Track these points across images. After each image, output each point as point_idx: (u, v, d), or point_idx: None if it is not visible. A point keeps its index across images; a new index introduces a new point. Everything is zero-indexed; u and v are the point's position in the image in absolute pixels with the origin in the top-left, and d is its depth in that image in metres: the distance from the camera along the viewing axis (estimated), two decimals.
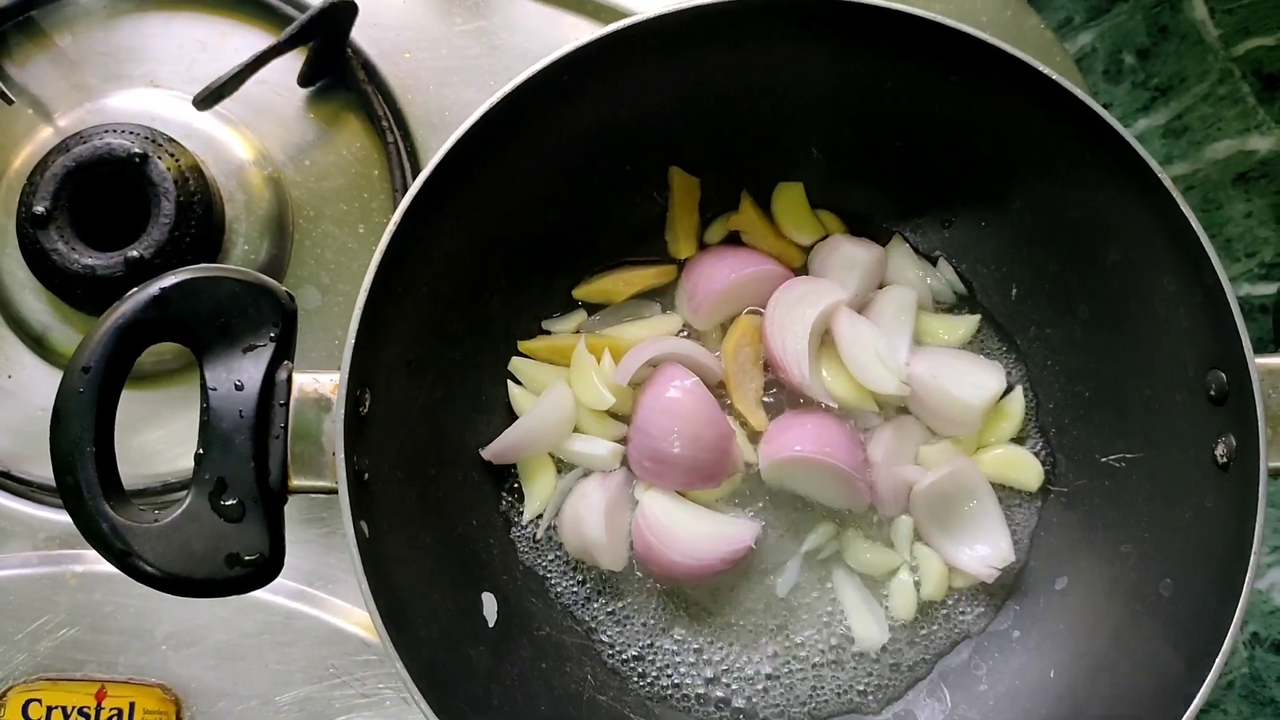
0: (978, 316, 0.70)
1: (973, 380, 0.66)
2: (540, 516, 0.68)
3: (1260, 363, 0.53)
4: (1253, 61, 0.88)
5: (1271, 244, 0.87)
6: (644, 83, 0.63)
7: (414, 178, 0.75)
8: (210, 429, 0.52)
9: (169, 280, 0.53)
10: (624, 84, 0.62)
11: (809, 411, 0.67)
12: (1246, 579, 0.51)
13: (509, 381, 0.69)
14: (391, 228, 0.55)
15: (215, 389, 0.52)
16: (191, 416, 0.72)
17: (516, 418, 0.68)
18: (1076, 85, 0.77)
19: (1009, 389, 0.69)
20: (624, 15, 0.77)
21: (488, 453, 0.67)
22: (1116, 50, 0.90)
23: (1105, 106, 0.94)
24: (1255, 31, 0.89)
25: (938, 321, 0.70)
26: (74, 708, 0.69)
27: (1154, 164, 0.56)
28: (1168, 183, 0.56)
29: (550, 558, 0.68)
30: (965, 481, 0.66)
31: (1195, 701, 0.51)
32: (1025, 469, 0.67)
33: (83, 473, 0.50)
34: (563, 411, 0.67)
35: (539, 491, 0.67)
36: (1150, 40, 0.89)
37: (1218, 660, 0.51)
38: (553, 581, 0.68)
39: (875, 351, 0.66)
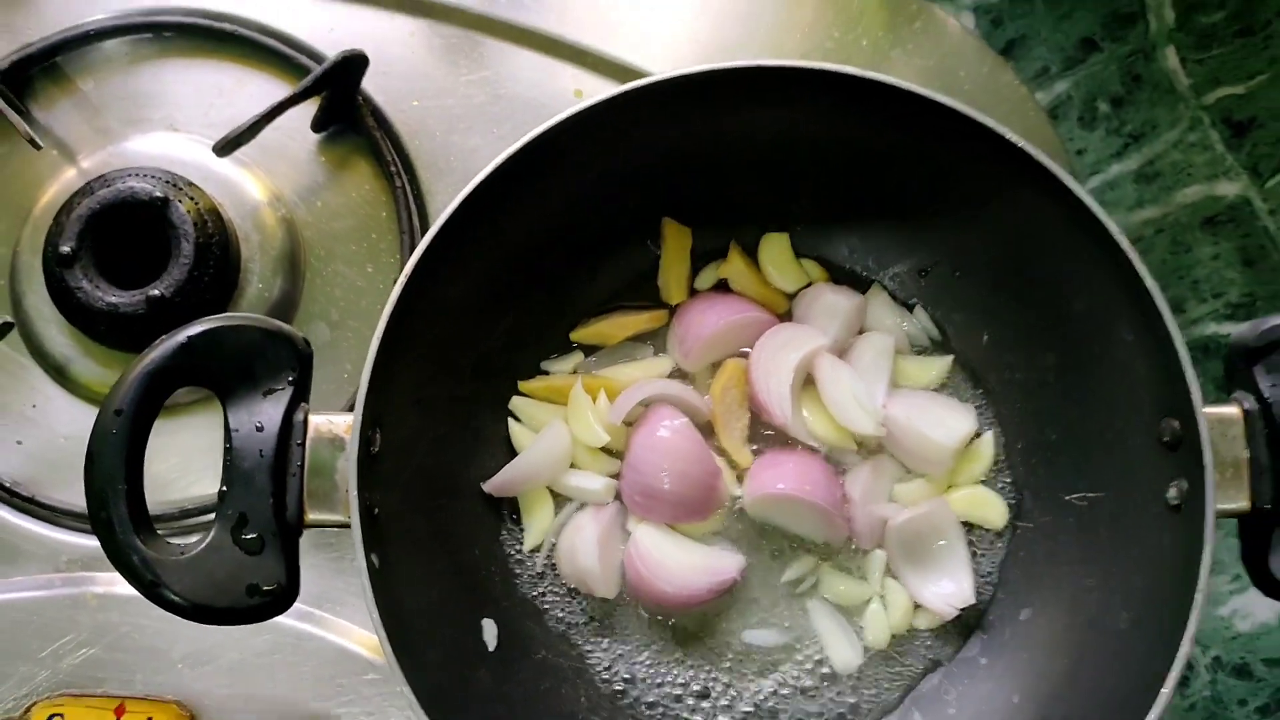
0: (950, 357, 0.72)
1: (945, 422, 0.69)
2: (539, 547, 0.70)
3: (1208, 412, 0.55)
4: (1222, 110, 0.90)
5: (1238, 285, 0.90)
6: (641, 141, 0.65)
7: (420, 220, 0.78)
8: (233, 468, 0.55)
9: (195, 329, 0.55)
10: (622, 142, 0.64)
11: (791, 451, 0.70)
12: (1192, 615, 0.54)
13: (510, 419, 0.72)
14: (402, 281, 0.57)
15: (237, 430, 0.55)
16: (206, 446, 0.76)
17: (517, 453, 0.71)
18: (1048, 140, 0.80)
19: (979, 431, 0.71)
20: (619, 66, 0.81)
21: (489, 486, 0.69)
22: (1091, 98, 0.92)
23: (1079, 152, 0.97)
24: (1225, 81, 0.91)
25: (913, 364, 0.72)
26: None
27: (1111, 225, 0.58)
28: (1124, 243, 0.58)
29: (547, 586, 0.70)
30: (937, 521, 0.68)
31: None
32: (991, 508, 0.69)
33: (115, 509, 0.53)
34: (560, 448, 0.69)
35: (538, 523, 0.70)
36: (1124, 89, 0.91)
37: (1165, 688, 0.53)
38: (549, 608, 0.70)
39: (854, 394, 0.69)
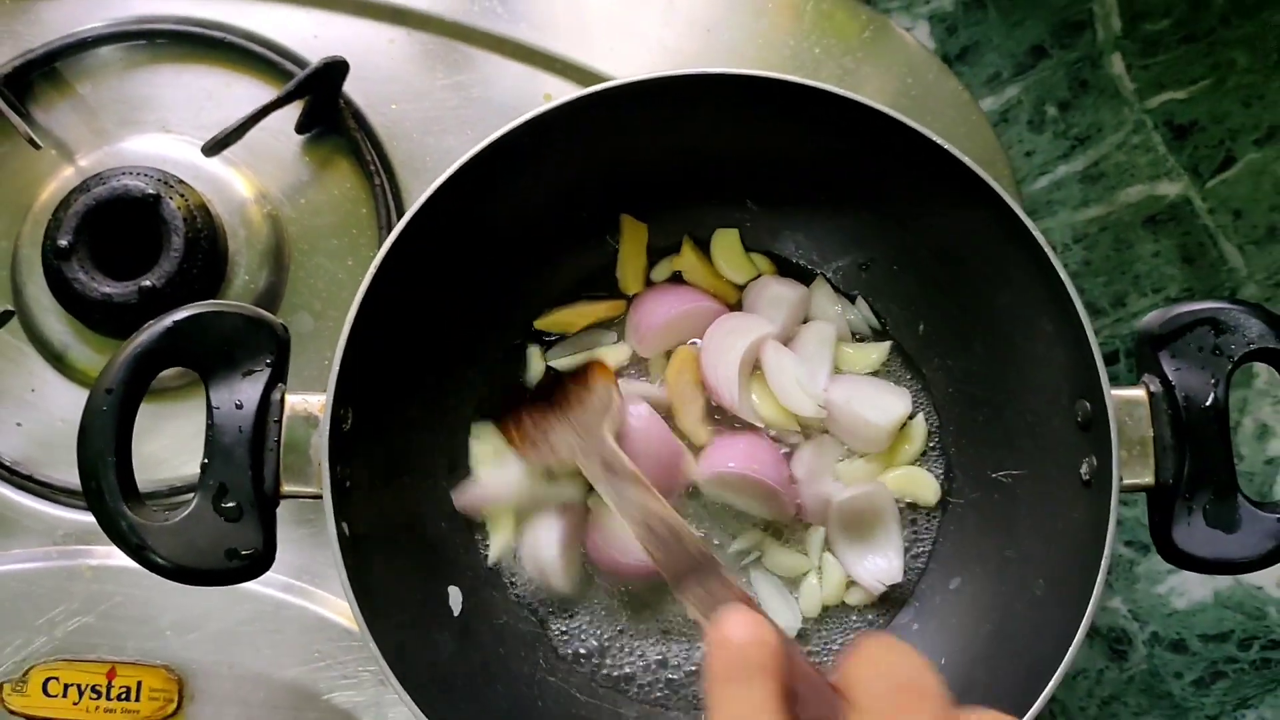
0: (888, 343, 0.75)
1: (882, 404, 0.72)
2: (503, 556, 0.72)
3: (1116, 394, 0.58)
4: (1165, 113, 0.93)
5: (1177, 281, 0.92)
6: (601, 141, 0.68)
7: (398, 216, 0.77)
8: (214, 442, 0.57)
9: (181, 314, 0.58)
10: (583, 142, 0.67)
11: (741, 433, 0.73)
12: (1097, 582, 0.57)
13: (471, 441, 0.73)
14: (372, 271, 0.60)
15: (219, 408, 0.58)
16: (192, 428, 0.78)
17: (478, 451, 0.73)
18: (989, 145, 0.83)
19: (914, 414, 0.74)
20: (587, 72, 0.84)
21: (459, 503, 0.71)
22: (1040, 102, 0.94)
23: (1028, 154, 1.00)
24: (1168, 86, 0.94)
25: (854, 351, 0.75)
26: (88, 685, 0.74)
27: (1031, 225, 0.61)
28: (1043, 242, 0.61)
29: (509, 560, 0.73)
30: (876, 502, 0.72)
31: (1049, 685, 0.56)
32: (925, 486, 0.73)
33: (105, 479, 0.56)
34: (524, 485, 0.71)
35: (502, 530, 0.72)
36: (1071, 93, 0.94)
37: (1071, 648, 0.56)
38: (511, 578, 0.73)
39: (797, 379, 0.72)
